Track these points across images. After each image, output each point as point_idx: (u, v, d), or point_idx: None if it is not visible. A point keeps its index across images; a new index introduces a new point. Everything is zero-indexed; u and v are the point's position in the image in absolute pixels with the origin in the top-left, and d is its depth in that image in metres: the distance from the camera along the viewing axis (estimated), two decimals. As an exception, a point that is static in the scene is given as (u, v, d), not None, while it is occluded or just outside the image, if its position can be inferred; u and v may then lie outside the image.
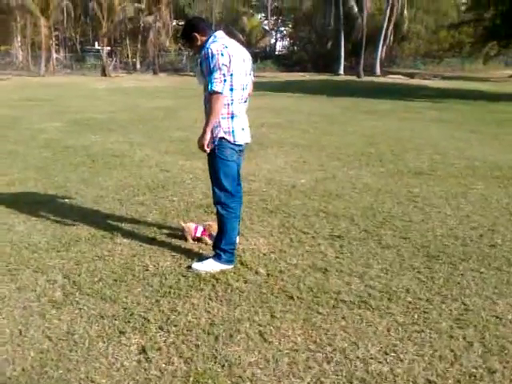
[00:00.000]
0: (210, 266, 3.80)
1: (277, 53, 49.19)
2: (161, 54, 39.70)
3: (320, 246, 4.32)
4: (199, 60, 3.68)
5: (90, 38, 42.29)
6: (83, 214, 5.05)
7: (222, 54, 3.51)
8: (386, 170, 7.20)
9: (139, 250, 4.15)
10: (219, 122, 3.65)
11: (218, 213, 3.90)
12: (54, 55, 36.79)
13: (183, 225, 4.40)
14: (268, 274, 3.76)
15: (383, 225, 4.89)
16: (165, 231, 4.58)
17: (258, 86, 24.34)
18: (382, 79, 31.96)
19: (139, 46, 39.07)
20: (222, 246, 3.85)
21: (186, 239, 4.32)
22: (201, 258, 3.96)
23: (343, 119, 12.45)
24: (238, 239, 4.14)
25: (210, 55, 3.52)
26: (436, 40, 50.63)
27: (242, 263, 3.93)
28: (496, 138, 10.21)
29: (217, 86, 3.50)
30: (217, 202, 3.88)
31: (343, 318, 3.18)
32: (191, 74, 36.19)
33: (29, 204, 5.27)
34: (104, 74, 33.26)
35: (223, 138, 3.69)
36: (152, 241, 4.34)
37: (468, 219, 5.12)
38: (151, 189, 5.97)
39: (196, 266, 3.81)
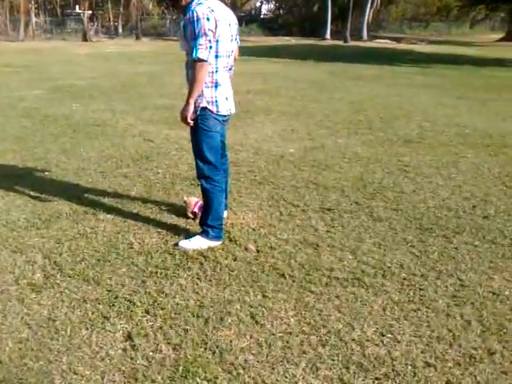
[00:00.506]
0: (198, 243, 3.65)
1: (262, 16, 48.25)
2: (143, 17, 38.73)
3: (311, 220, 4.19)
4: (182, 23, 3.43)
5: (70, 1, 41.01)
6: (64, 187, 4.85)
7: (207, 19, 3.26)
8: (376, 138, 7.04)
9: (123, 226, 3.99)
10: (202, 91, 3.43)
11: (202, 187, 3.72)
12: (34, 19, 35.72)
13: (185, 199, 4.23)
14: (258, 251, 3.63)
15: (374, 196, 4.76)
16: (150, 206, 4.41)
17: (244, 51, 23.92)
18: (368, 44, 31.53)
19: (121, 9, 38.04)
20: (209, 222, 3.69)
21: (186, 214, 4.15)
22: (188, 234, 3.81)
23: (331, 85, 12.22)
24: (225, 214, 4.00)
25: (195, 19, 3.25)
26: (423, 3, 50.05)
27: (230, 239, 3.79)
28: (484, 105, 10.07)
29: (202, 53, 3.27)
30: (200, 175, 3.69)
31: (337, 296, 3.06)
32: (175, 38, 35.42)
33: (7, 178, 5.05)
34: (85, 38, 32.41)
35: (206, 107, 3.47)
36: (136, 216, 4.17)
37: (460, 189, 5.01)
38: (135, 160, 5.77)
39: (183, 243, 3.66)
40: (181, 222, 4.08)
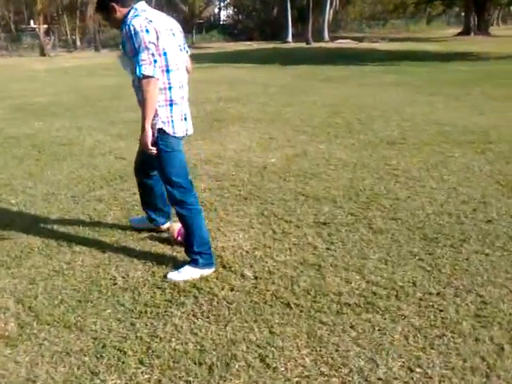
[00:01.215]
0: (189, 273, 3.29)
1: (222, 22, 47.99)
2: (101, 29, 37.94)
3: (307, 237, 3.88)
4: (122, 39, 3.08)
5: (24, 16, 39.94)
6: (34, 217, 4.43)
7: (147, 31, 2.95)
8: (357, 141, 6.79)
9: (103, 258, 3.60)
10: (156, 111, 3.10)
11: (178, 214, 3.40)
12: (-13, 36, 34.63)
13: (168, 225, 3.90)
14: (256, 277, 3.29)
15: (369, 205, 4.48)
16: (130, 232, 4.03)
17: (206, 58, 23.58)
18: (331, 44, 31.53)
19: (78, 22, 37.21)
20: (195, 249, 3.34)
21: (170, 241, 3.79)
22: (176, 263, 3.45)
23: (301, 88, 11.97)
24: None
25: (133, 33, 2.95)
26: (380, 1, 50.61)
27: (223, 265, 3.44)
28: (458, 100, 9.97)
29: (146, 69, 2.95)
30: (173, 201, 3.39)
31: (352, 326, 2.75)
32: (135, 48, 34.93)
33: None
34: (43, 53, 31.53)
35: (162, 129, 3.16)
36: (117, 246, 3.79)
37: (456, 192, 4.78)
38: (108, 181, 5.37)
39: (172, 275, 3.29)
40: (167, 249, 3.72)
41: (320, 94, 10.93)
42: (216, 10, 48.92)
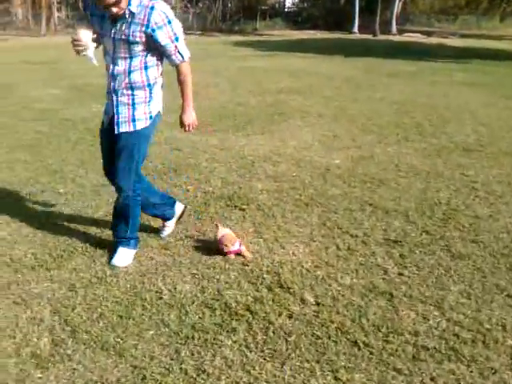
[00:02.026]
0: (128, 256, 3.36)
1: (286, 9, 47.23)
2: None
3: (376, 257, 3.44)
4: (127, 24, 2.94)
5: None
6: (81, 210, 4.18)
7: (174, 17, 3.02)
8: (429, 145, 6.24)
9: (150, 265, 3.29)
10: (156, 94, 3.25)
11: (125, 201, 3.31)
12: (56, 14, 35.25)
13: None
14: (318, 303, 2.90)
15: (446, 223, 3.99)
16: (180, 236, 3.71)
17: (267, 45, 23.15)
18: (398, 38, 30.32)
19: None
20: (129, 234, 3.38)
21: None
22: (228, 280, 3.10)
23: (367, 83, 11.37)
24: None
25: (170, 19, 2.96)
26: (451, -5, 48.58)
27: (281, 285, 3.06)
28: (539, 104, 9.17)
29: (188, 53, 3.16)
30: (129, 188, 3.28)
31: (432, 378, 2.32)
32: (198, 33, 34.82)
33: (15, 197, 4.40)
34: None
35: (159, 111, 3.34)
36: (165, 251, 3.47)
37: (546, 213, 4.22)
38: (161, 174, 5.07)
39: (117, 262, 3.31)
40: (219, 259, 3.36)
41: (387, 90, 10.32)
42: (281, -3, 48.19)
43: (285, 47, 21.82)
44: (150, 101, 3.19)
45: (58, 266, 3.25)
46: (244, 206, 4.23)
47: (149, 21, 2.91)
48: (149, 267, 3.25)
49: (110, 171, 3.32)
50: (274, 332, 2.64)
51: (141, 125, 3.17)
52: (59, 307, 2.82)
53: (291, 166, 5.36)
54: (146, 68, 3.09)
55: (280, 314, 2.78)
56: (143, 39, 2.97)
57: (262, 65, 14.96)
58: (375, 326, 2.69)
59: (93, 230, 3.78)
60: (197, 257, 3.39)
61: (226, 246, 3.31)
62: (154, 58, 3.11)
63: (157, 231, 3.75)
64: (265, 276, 3.15)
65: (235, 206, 4.24)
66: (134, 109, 3.14)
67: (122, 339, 2.56)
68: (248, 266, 3.26)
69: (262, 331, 2.64)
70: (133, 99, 3.13)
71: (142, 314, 2.77)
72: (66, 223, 3.91)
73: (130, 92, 3.11)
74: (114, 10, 2.84)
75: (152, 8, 2.90)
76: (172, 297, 2.93)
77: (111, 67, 3.07)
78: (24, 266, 3.24)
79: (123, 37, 2.96)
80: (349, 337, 2.60)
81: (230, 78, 12.06)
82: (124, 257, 3.34)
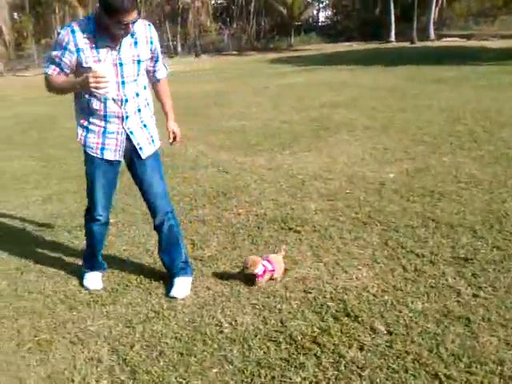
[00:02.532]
0: (186, 287, 3.25)
1: (320, 24, 47.27)
2: (201, 34, 38.60)
3: (446, 277, 3.20)
4: (131, 42, 2.87)
5: (129, 23, 41.45)
6: (132, 240, 4.09)
7: None
8: (486, 153, 5.92)
9: (207, 297, 3.14)
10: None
11: (174, 225, 3.29)
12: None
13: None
14: (390, 332, 2.68)
15: (518, 236, 3.71)
16: (236, 262, 3.56)
17: (304, 60, 23.13)
18: (437, 43, 29.77)
19: (179, 28, 38.05)
20: (185, 259, 3.34)
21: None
22: (290, 310, 2.92)
23: (412, 91, 11.06)
24: None
25: (155, 35, 3.03)
26: (489, -4, 47.52)
27: (348, 314, 2.86)
28: None
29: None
30: (173, 209, 3.33)
31: (529, 416, 2.08)
32: (234, 53, 35.18)
33: (67, 230, 4.35)
34: (145, 59, 32.46)
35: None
36: (222, 280, 3.32)
37: None
38: (211, 198, 4.96)
39: (177, 293, 3.19)
40: (278, 287, 3.19)
41: (434, 98, 9.99)
42: (314, 12, 48.23)
43: (322, 61, 21.71)
44: (152, 118, 3.20)
45: (113, 301, 3.14)
46: (299, 228, 4.06)
47: (151, 37, 2.97)
48: (206, 298, 3.11)
49: (106, 207, 3.21)
50: (345, 366, 2.44)
51: (157, 143, 3.20)
52: (117, 345, 2.70)
53: (343, 182, 5.16)
54: (144, 87, 3.06)
55: (350, 346, 2.58)
56: (149, 56, 3.00)
57: (301, 80, 14.86)
58: (455, 356, 2.46)
59: (146, 260, 3.69)
60: (256, 287, 3.22)
61: (246, 267, 3.16)
62: (145, 76, 3.08)
63: (214, 256, 3.63)
64: (329, 304, 2.96)
65: (290, 229, 4.08)
66: (147, 129, 3.11)
67: (184, 379, 2.41)
68: (311, 293, 3.08)
69: (333, 366, 2.45)
70: (142, 121, 3.07)
71: (204, 351, 2.62)
72: (118, 254, 3.83)
73: (138, 115, 3.04)
74: (131, 28, 2.75)
75: (149, 25, 2.99)
76: (233, 330, 2.78)
77: (119, 93, 2.88)
78: (79, 303, 3.15)
79: (133, 58, 2.89)
80: (428, 369, 2.38)
81: (271, 95, 11.98)
82: (184, 286, 3.22)
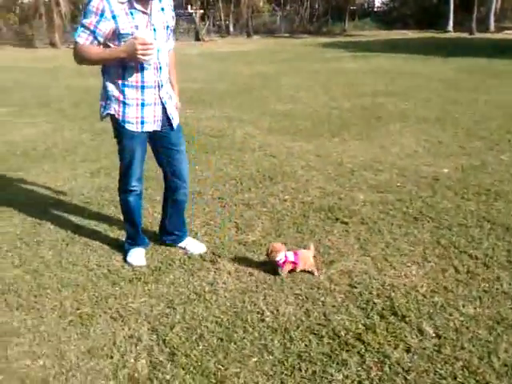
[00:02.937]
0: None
1: (375, 9, 46.15)
2: (254, 15, 38.27)
3: (501, 282, 3.04)
4: (159, 8, 2.90)
5: (182, 0, 41.48)
6: (177, 219, 4.06)
7: None
8: (548, 152, 5.65)
9: (249, 282, 3.08)
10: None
11: (187, 193, 3.46)
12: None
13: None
14: (438, 335, 2.56)
15: None
16: (280, 250, 3.48)
17: (358, 46, 22.70)
18: (497, 36, 28.69)
19: (232, 7, 37.81)
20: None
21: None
22: (333, 303, 2.83)
23: (469, 84, 10.67)
24: None
25: (172, 4, 3.04)
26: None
27: (395, 312, 2.75)
28: None
29: None
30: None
31: None
32: (286, 35, 34.83)
33: (112, 203, 4.35)
34: (197, 38, 32.46)
35: None
36: (265, 267, 3.25)
37: None
38: (257, 182, 4.89)
39: (201, 249, 3.50)
40: (322, 278, 3.11)
41: (492, 93, 9.61)
42: (371, -3, 47.09)
43: (376, 47, 21.23)
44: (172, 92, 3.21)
45: (155, 280, 3.12)
46: (346, 219, 3.94)
47: (171, 5, 3.01)
48: (249, 284, 3.06)
49: (140, 177, 3.23)
50: (390, 367, 2.34)
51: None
52: (157, 325, 2.68)
53: (395, 175, 5.00)
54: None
55: (396, 347, 2.48)
56: (173, 23, 3.02)
57: (354, 66, 14.56)
58: (508, 366, 2.33)
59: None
60: (298, 275, 3.14)
61: (268, 253, 3.11)
62: None
63: (258, 241, 3.57)
64: (375, 300, 2.86)
65: (337, 219, 3.97)
66: (172, 100, 3.14)
67: (223, 366, 2.37)
68: (356, 288, 2.98)
69: (377, 366, 2.35)
70: (168, 92, 3.10)
71: (244, 338, 2.56)
72: (162, 233, 3.80)
73: (168, 84, 3.09)
74: None
75: None
76: (275, 319, 2.71)
77: (156, 60, 2.88)
78: (122, 278, 3.14)
79: (163, 23, 2.90)
80: (478, 378, 2.26)
81: (323, 80, 11.77)
82: (199, 242, 3.51)
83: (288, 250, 3.14)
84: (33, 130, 7.28)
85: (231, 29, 37.75)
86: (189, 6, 39.17)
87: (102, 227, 3.91)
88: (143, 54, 2.69)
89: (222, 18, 39.00)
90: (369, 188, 4.66)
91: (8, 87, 11.71)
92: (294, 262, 3.08)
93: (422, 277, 3.12)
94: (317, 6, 40.49)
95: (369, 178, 4.94)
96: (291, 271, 3.11)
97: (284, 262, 3.07)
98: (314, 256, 3.19)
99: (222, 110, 8.50)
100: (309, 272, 3.13)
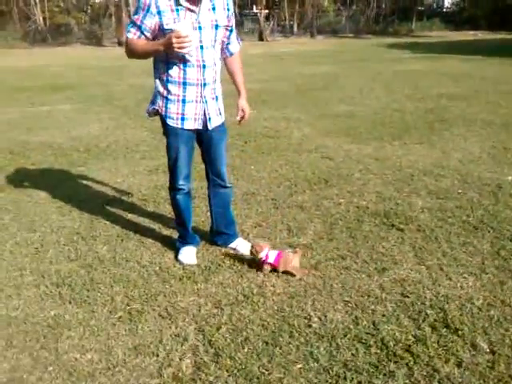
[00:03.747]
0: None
1: (444, 9, 44.89)
2: (319, 15, 38.04)
3: None
4: (210, 7, 2.90)
5: (248, 1, 41.72)
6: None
7: None
8: None
9: (298, 287, 3.05)
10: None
11: (230, 193, 3.52)
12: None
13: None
14: (493, 352, 2.44)
15: None
16: (331, 254, 3.43)
17: (425, 47, 22.09)
18: None
19: (297, 7, 37.73)
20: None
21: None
22: (385, 313, 2.75)
23: (541, 88, 10.19)
24: None
25: (231, 4, 3.05)
26: None
27: (447, 325, 2.64)
28: None
29: None
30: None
31: None
32: (350, 35, 34.46)
33: (167, 201, 4.38)
34: (261, 38, 32.58)
35: None
36: (315, 271, 3.21)
37: None
38: (311, 184, 4.84)
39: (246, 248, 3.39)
40: (373, 286, 3.03)
41: None
42: (440, -3, 45.84)
43: (444, 49, 20.63)
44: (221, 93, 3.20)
45: (205, 279, 3.14)
46: (402, 226, 3.84)
47: (228, 4, 2.99)
48: (297, 289, 3.02)
49: (187, 176, 3.25)
50: (439, 382, 2.25)
51: (223, 116, 3.24)
52: (204, 325, 2.69)
53: (456, 181, 4.82)
54: (219, 59, 3.08)
55: (447, 361, 2.38)
56: (226, 22, 2.98)
57: (419, 68, 14.19)
58: None
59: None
60: (349, 281, 3.08)
61: (252, 250, 3.17)
62: (220, 48, 3.09)
63: (310, 244, 3.54)
64: (428, 312, 2.76)
65: (392, 225, 3.87)
66: (216, 101, 3.11)
67: (267, 370, 2.35)
68: (408, 297, 2.89)
69: (426, 379, 2.27)
70: (214, 92, 3.09)
71: (290, 343, 2.53)
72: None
73: (213, 85, 3.06)
74: None
75: None
76: (322, 326, 2.67)
77: (198, 58, 2.91)
78: (172, 276, 3.18)
79: (212, 22, 2.89)
80: (535, 401, 2.14)
81: (386, 81, 11.54)
82: (249, 244, 3.39)
83: (273, 249, 3.17)
84: (96, 126, 7.53)
85: (295, 29, 37.67)
86: (254, 6, 39.38)
87: (156, 225, 3.98)
88: (179, 48, 2.73)
89: (287, 17, 38.99)
90: (428, 194, 4.51)
91: (76, 84, 12.17)
92: (272, 264, 3.11)
93: (478, 289, 2.98)
94: (383, 6, 39.79)
95: (428, 183, 4.79)
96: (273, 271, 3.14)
97: (263, 262, 3.11)
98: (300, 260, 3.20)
99: (281, 110, 8.48)
100: (290, 273, 3.12)
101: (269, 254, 3.12)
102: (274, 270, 3.14)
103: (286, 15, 38.88)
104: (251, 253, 3.18)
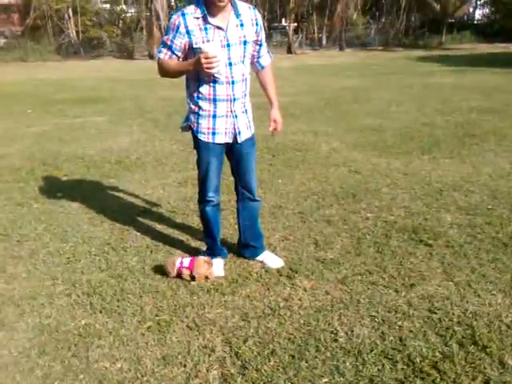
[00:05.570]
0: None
1: (475, 22, 44.43)
2: (348, 28, 38.04)
3: None
4: (238, 23, 2.96)
5: (277, 14, 41.98)
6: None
7: None
8: None
9: (324, 300, 3.06)
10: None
11: (258, 206, 3.59)
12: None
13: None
14: (522, 372, 2.42)
15: None
16: (358, 269, 3.44)
17: (455, 60, 21.81)
18: None
19: (326, 20, 37.81)
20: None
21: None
22: (411, 329, 2.74)
23: None
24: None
25: (260, 18, 3.07)
26: None
27: (475, 342, 2.63)
28: None
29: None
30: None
31: None
32: (379, 48, 34.35)
33: (196, 213, 4.45)
34: (289, 51, 32.70)
35: None
36: (342, 286, 3.22)
37: None
38: (339, 198, 4.84)
39: (278, 263, 3.54)
40: (401, 301, 3.02)
41: None
42: (471, 9, 45.40)
43: (475, 62, 20.38)
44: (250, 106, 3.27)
45: (232, 292, 3.18)
46: (431, 241, 3.82)
47: (256, 20, 3.03)
48: (324, 303, 3.04)
49: (216, 188, 3.31)
50: (467, 401, 2.24)
51: (253, 129, 3.29)
52: (231, 337, 2.73)
53: (486, 196, 4.78)
54: (249, 73, 3.13)
55: (474, 378, 2.37)
56: (254, 38, 3.04)
57: (449, 81, 14.07)
58: None
59: (278, 255, 3.68)
60: (376, 296, 3.09)
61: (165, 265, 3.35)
62: (250, 62, 3.15)
63: (336, 259, 3.55)
64: (455, 328, 2.75)
65: (420, 241, 3.85)
66: (246, 115, 3.21)
67: (293, 383, 2.36)
68: (436, 313, 2.88)
69: (453, 398, 2.26)
70: (244, 105, 3.16)
71: (316, 357, 2.55)
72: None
73: (243, 100, 3.13)
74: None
75: (254, 8, 3.05)
76: (348, 340, 2.68)
77: (227, 75, 2.98)
78: (200, 288, 3.22)
79: (240, 39, 2.95)
80: None
81: (415, 95, 11.47)
82: (276, 257, 3.55)
83: (184, 257, 3.35)
84: (127, 138, 7.67)
85: (324, 42, 37.74)
86: (283, 20, 39.63)
87: (185, 236, 4.05)
88: (208, 68, 2.80)
89: (316, 30, 39.13)
90: (457, 209, 4.48)
91: (108, 97, 12.41)
92: (188, 268, 3.24)
93: (507, 306, 2.95)
94: (413, 19, 39.59)
95: (458, 198, 4.75)
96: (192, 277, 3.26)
97: (181, 268, 3.25)
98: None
99: (309, 123, 8.51)
100: (206, 278, 3.26)
101: (183, 261, 3.28)
102: (192, 277, 3.26)
103: (314, 28, 39.02)
104: (166, 268, 3.35)
